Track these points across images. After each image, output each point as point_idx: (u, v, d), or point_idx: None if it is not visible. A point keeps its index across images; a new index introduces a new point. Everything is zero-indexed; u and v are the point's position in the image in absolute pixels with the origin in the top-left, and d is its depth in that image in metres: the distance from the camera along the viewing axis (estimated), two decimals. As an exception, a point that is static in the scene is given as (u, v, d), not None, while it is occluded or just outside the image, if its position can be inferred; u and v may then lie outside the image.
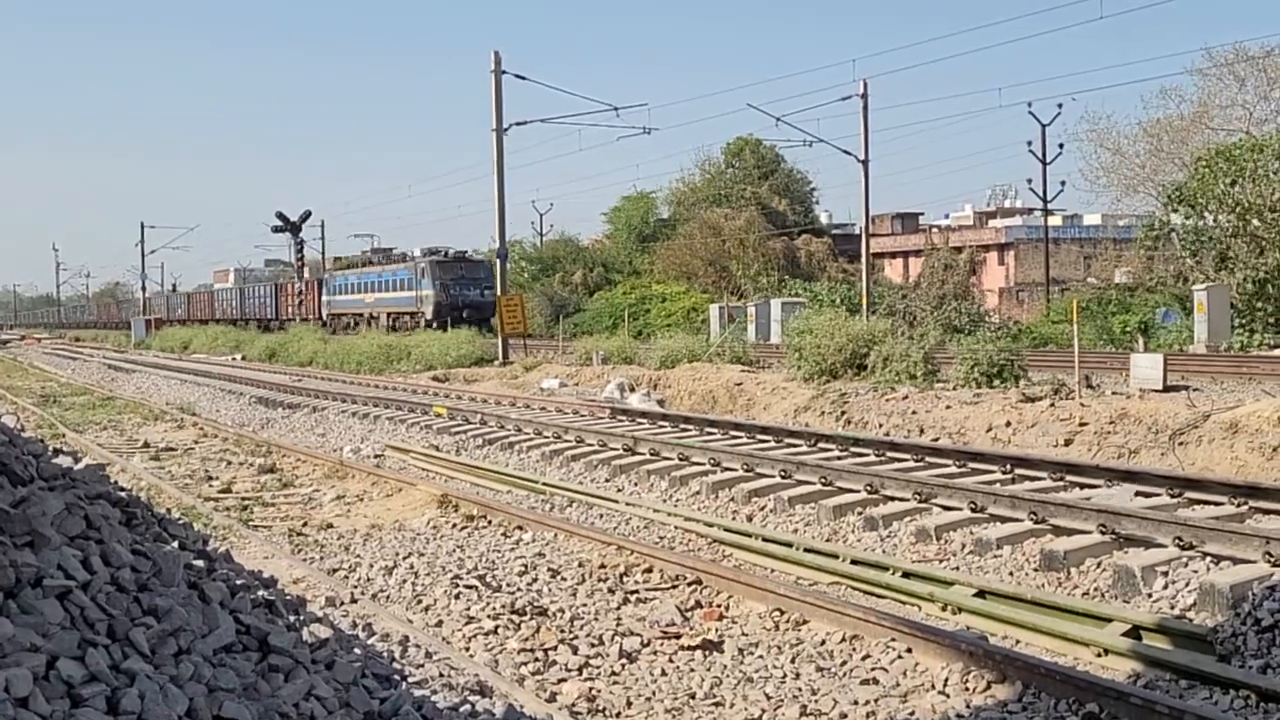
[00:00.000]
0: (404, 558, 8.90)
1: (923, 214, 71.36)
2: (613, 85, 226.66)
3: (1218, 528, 7.68)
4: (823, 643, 6.60)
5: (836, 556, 8.39)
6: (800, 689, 5.94)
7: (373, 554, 9.19)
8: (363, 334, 42.99)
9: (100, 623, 3.09)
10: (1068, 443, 13.04)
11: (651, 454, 13.01)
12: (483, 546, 9.21)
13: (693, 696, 5.90)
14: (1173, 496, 9.34)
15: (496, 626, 6.99)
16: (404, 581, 8.20)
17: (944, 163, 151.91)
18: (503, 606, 7.34)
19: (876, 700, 5.71)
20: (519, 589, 7.85)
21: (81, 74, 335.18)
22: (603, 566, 8.27)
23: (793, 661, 6.36)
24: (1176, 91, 41.53)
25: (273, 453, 15.20)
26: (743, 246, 49.81)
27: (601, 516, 10.50)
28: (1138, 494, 9.56)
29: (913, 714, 5.57)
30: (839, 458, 12.23)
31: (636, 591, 7.75)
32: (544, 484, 11.99)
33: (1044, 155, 42.32)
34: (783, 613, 7.06)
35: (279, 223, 57.96)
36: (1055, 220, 53.06)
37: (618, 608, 7.43)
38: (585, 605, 7.47)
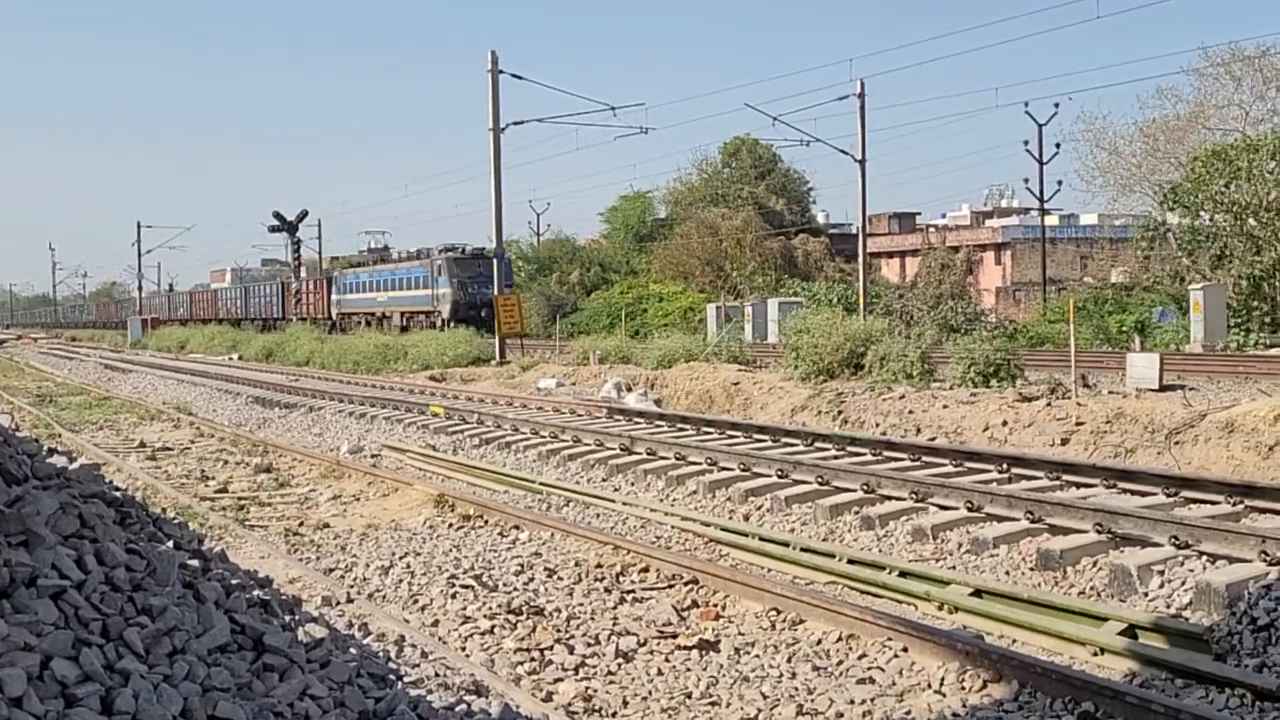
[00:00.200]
0: (400, 557, 8.90)
1: (919, 214, 71.59)
2: (610, 85, 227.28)
3: (1214, 527, 7.68)
4: (819, 642, 6.60)
5: (833, 556, 8.39)
6: (796, 688, 5.94)
7: (369, 554, 9.18)
8: (360, 334, 42.76)
9: (94, 622, 3.09)
10: (1064, 442, 13.06)
11: (648, 453, 13.01)
12: (479, 546, 9.21)
13: (689, 696, 5.90)
14: (1169, 496, 9.35)
15: (493, 626, 6.98)
16: (400, 581, 8.20)
17: (941, 162, 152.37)
18: (499, 606, 7.34)
19: (873, 699, 5.71)
20: (515, 588, 7.85)
21: (78, 74, 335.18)
22: (599, 566, 8.27)
23: (789, 661, 6.36)
24: (1173, 91, 41.54)
25: (269, 452, 15.19)
26: (740, 246, 49.84)
27: (598, 516, 10.50)
28: (1133, 493, 9.57)
29: (909, 713, 5.57)
30: (836, 457, 12.23)
31: (633, 591, 7.75)
32: (541, 483, 11.99)
33: (1040, 155, 42.37)
34: (779, 612, 7.06)
35: (276, 222, 57.97)
36: (1052, 220, 53.14)
37: (614, 607, 7.42)
38: (581, 605, 7.46)
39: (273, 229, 58.59)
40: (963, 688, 5.73)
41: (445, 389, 24.78)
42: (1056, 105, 48.78)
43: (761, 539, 9.10)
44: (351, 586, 8.14)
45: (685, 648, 6.58)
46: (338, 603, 7.57)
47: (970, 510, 9.18)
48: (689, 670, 6.29)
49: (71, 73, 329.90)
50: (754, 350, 26.63)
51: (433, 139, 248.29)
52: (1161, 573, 7.26)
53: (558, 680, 6.11)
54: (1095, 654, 6.15)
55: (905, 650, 6.23)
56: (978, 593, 7.24)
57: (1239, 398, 13.72)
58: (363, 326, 48.22)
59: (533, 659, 6.41)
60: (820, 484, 10.60)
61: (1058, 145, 43.17)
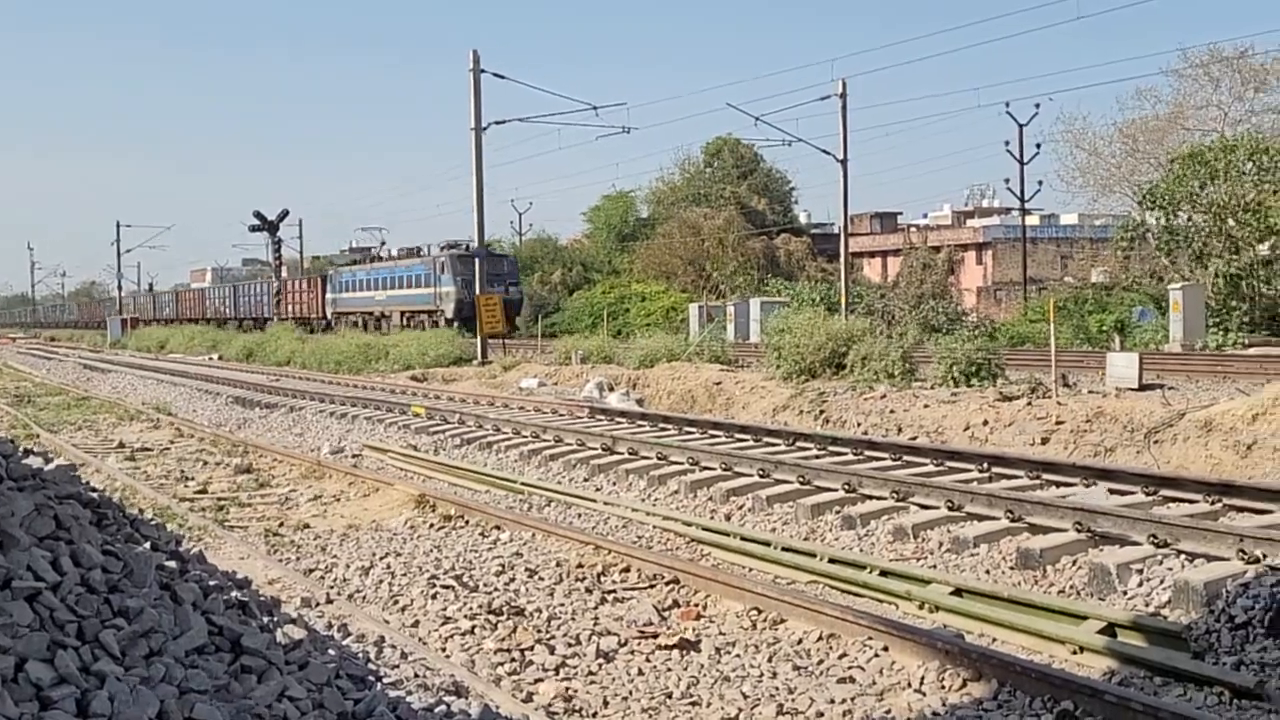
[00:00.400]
0: (381, 558, 8.87)
1: (901, 213, 71.93)
2: (592, 84, 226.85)
3: (1192, 525, 7.73)
4: (800, 641, 6.61)
5: (814, 555, 8.41)
6: (777, 688, 5.94)
7: (349, 554, 9.15)
8: (343, 333, 42.54)
9: (70, 624, 3.07)
10: (1044, 441, 13.12)
11: (630, 453, 13.00)
12: (460, 546, 9.19)
13: (669, 696, 5.89)
14: (1148, 494, 9.40)
15: (473, 626, 6.97)
16: (380, 582, 8.17)
17: (922, 162, 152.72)
18: (480, 606, 7.32)
19: (853, 699, 5.72)
20: (496, 589, 7.83)
21: (62, 75, 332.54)
22: (580, 566, 8.26)
23: (770, 660, 6.37)
24: (1152, 92, 41.66)
25: (249, 453, 15.12)
26: (722, 246, 49.91)
27: (579, 516, 10.49)
28: (1113, 492, 9.62)
29: (889, 712, 5.59)
30: (817, 456, 12.25)
31: (614, 591, 7.74)
32: (522, 483, 11.97)
33: (1021, 155, 42.56)
34: (760, 612, 7.07)
35: (257, 222, 57.72)
36: (1032, 220, 53.43)
37: (595, 607, 7.42)
38: (562, 605, 7.46)
39: (253, 228, 58.35)
40: (943, 687, 5.75)
41: (427, 389, 24.73)
42: (1037, 106, 48.98)
43: (743, 538, 9.10)
44: (331, 587, 8.11)
45: (666, 647, 6.58)
46: (317, 604, 7.53)
47: (951, 509, 9.21)
48: (670, 670, 6.28)
49: (71, 73, 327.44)
50: (736, 350, 26.69)
51: (414, 139, 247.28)
52: (1140, 571, 7.31)
53: (538, 680, 6.10)
54: (1075, 652, 6.18)
55: (886, 649, 6.25)
56: (958, 592, 7.26)
57: (1217, 397, 13.82)
58: (360, 327, 46.72)
59: (513, 659, 6.39)
60: (802, 483, 10.62)
61: (1038, 146, 43.36)
